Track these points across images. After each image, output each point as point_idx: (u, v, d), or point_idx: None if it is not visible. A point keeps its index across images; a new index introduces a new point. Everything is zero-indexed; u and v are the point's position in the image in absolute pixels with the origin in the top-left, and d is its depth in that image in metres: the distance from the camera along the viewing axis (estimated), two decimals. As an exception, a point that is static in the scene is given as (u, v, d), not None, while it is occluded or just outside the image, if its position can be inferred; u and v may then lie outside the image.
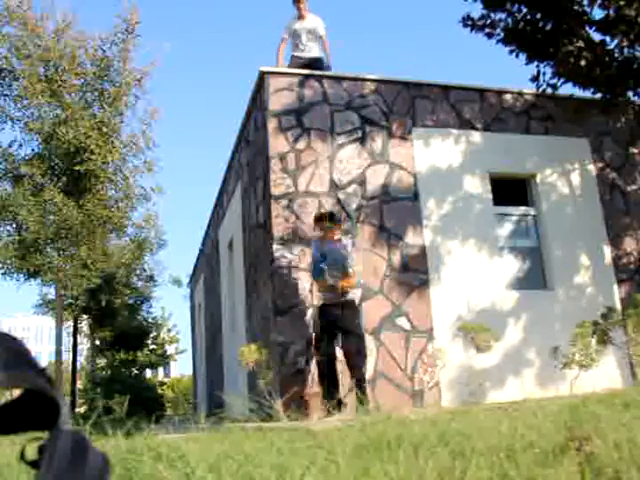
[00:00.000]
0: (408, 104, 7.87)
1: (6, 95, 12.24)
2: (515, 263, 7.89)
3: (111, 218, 12.87)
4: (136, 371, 22.91)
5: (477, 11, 7.82)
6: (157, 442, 2.86)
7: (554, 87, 7.62)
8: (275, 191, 7.06)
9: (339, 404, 5.63)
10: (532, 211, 8.12)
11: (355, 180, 7.36)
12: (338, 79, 7.77)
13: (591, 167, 8.39)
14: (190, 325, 19.39)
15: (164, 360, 28.76)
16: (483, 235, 7.61)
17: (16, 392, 0.56)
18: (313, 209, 7.10)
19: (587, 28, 7.24)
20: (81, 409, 17.84)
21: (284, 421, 5.26)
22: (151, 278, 22.11)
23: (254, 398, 6.12)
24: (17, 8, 11.87)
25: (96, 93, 12.39)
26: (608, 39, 7.17)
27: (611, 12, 6.89)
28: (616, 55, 7.20)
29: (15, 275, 13.21)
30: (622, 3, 6.63)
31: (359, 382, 5.75)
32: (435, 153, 7.77)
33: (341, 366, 5.97)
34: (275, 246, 6.89)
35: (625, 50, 7.14)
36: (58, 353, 13.67)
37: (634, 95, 7.56)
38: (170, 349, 30.35)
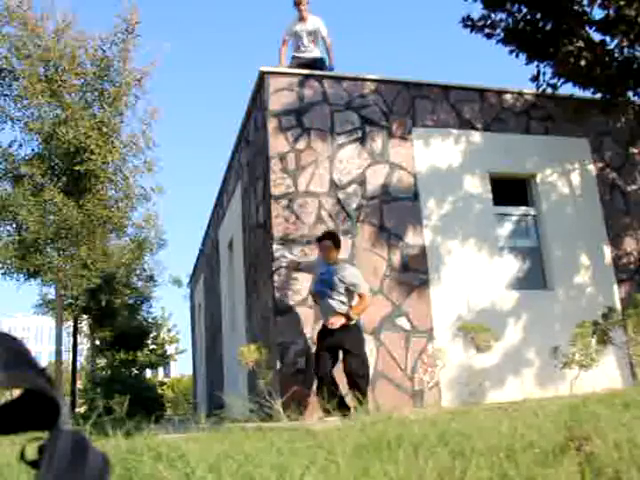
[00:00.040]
0: (408, 104, 7.87)
1: (6, 95, 12.25)
2: (515, 263, 7.89)
3: (111, 218, 12.88)
4: (136, 371, 22.90)
5: (477, 11, 7.83)
6: (157, 442, 2.86)
7: (554, 87, 7.62)
8: (275, 191, 7.07)
9: (340, 407, 5.53)
10: (532, 211, 8.12)
11: (355, 180, 7.36)
12: (338, 79, 7.77)
13: (591, 167, 8.39)
14: (190, 325, 19.39)
15: (164, 360, 28.75)
16: (483, 235, 7.61)
17: (16, 392, 0.56)
18: (313, 209, 7.10)
19: (587, 28, 7.24)
20: (81, 409, 17.84)
21: (284, 421, 5.26)
22: (151, 278, 22.12)
23: (254, 398, 6.13)
24: (17, 8, 11.86)
25: (96, 93, 12.39)
26: (608, 39, 7.17)
27: (611, 12, 6.88)
28: (616, 55, 7.19)
29: (15, 275, 13.21)
30: (622, 3, 6.63)
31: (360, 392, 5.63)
32: (435, 153, 7.77)
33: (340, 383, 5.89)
34: (275, 246, 6.89)
35: (625, 50, 7.14)
36: (58, 353, 13.67)
37: (634, 95, 7.56)
38: (170, 349, 30.36)
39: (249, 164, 8.54)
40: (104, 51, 12.38)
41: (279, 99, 7.41)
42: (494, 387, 6.91)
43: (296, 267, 6.81)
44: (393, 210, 7.36)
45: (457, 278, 7.31)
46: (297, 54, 8.60)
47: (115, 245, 17.62)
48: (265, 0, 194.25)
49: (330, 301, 5.93)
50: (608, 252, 8.04)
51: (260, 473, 2.10)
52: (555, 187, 8.15)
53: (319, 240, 6.26)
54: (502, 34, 7.55)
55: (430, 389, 6.75)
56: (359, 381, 5.74)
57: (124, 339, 22.24)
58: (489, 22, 7.53)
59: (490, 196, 7.81)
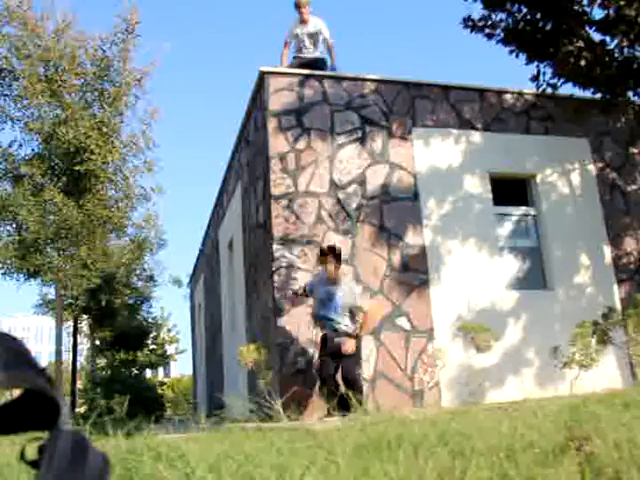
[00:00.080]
0: (408, 104, 7.87)
1: (6, 95, 12.23)
2: (515, 263, 7.89)
3: (111, 218, 12.87)
4: (136, 371, 22.91)
5: (477, 11, 7.81)
6: (157, 442, 2.86)
7: (554, 87, 7.62)
8: (275, 191, 7.07)
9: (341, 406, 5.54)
10: (532, 211, 8.12)
11: (355, 180, 7.36)
12: (338, 79, 7.77)
13: (591, 167, 8.39)
14: (190, 325, 19.39)
15: (164, 360, 28.74)
16: (483, 235, 7.61)
17: (16, 392, 0.56)
18: (313, 209, 7.10)
19: (587, 28, 7.24)
20: (81, 409, 17.83)
21: (284, 421, 5.26)
22: (151, 278, 22.12)
23: (254, 398, 6.12)
24: (17, 8, 11.85)
25: (96, 93, 12.38)
26: (608, 39, 7.17)
27: (611, 12, 6.88)
28: (616, 55, 7.19)
29: (15, 275, 13.20)
30: (622, 3, 6.63)
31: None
32: (435, 153, 7.77)
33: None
34: (275, 246, 6.89)
35: (625, 50, 7.14)
36: (58, 353, 13.66)
37: (634, 95, 7.56)
38: (170, 349, 30.35)
39: (249, 164, 8.54)
40: (104, 51, 12.37)
41: (279, 99, 7.41)
42: (494, 387, 6.91)
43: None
44: (393, 210, 7.36)
45: (457, 278, 7.31)
46: (299, 55, 8.63)
47: (115, 245, 17.61)
48: (265, 0, 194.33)
49: (336, 325, 5.99)
50: (608, 252, 8.05)
51: (260, 473, 2.10)
52: (555, 187, 8.15)
53: (320, 254, 6.23)
54: (502, 34, 7.55)
55: (430, 389, 6.75)
56: (354, 378, 5.83)
57: (124, 339, 22.24)
58: (489, 22, 7.54)
59: (490, 196, 7.81)
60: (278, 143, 7.25)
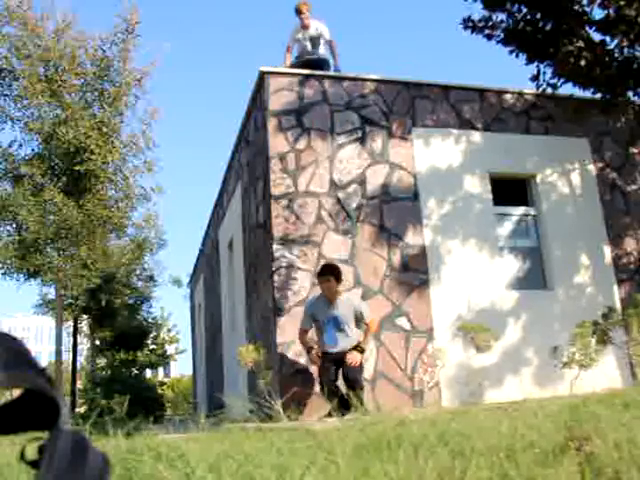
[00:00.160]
0: (408, 104, 7.87)
1: (6, 95, 12.23)
2: (515, 263, 7.89)
3: (111, 218, 12.87)
4: (136, 371, 22.87)
5: (477, 11, 7.83)
6: (157, 442, 2.86)
7: (554, 87, 7.62)
8: (275, 191, 7.06)
9: (341, 406, 5.52)
10: (532, 211, 8.12)
11: (355, 180, 7.36)
12: (338, 79, 7.77)
13: (591, 167, 8.39)
14: (190, 325, 19.39)
15: (164, 360, 28.71)
16: (483, 235, 7.61)
17: (16, 392, 0.56)
18: (313, 209, 7.10)
19: (587, 28, 7.23)
20: (81, 409, 17.82)
21: (284, 421, 5.26)
22: (151, 278, 22.12)
23: (254, 398, 6.12)
24: (17, 8, 11.85)
25: (96, 93, 12.38)
26: (608, 39, 7.17)
27: (611, 12, 6.88)
28: (616, 55, 7.19)
29: (15, 275, 13.20)
30: (622, 3, 6.63)
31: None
32: (435, 153, 7.77)
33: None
34: (275, 246, 6.89)
35: (625, 50, 7.14)
36: (58, 353, 13.66)
37: (634, 95, 7.56)
38: (170, 349, 30.32)
39: (249, 164, 8.54)
40: (104, 51, 12.37)
41: (279, 99, 7.41)
42: (494, 387, 6.91)
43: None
44: (393, 210, 7.36)
45: (457, 278, 7.31)
46: (301, 57, 8.68)
47: (115, 245, 17.61)
48: (265, 0, 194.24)
49: (343, 343, 5.95)
50: (608, 252, 8.04)
51: (260, 473, 2.10)
52: (555, 187, 8.15)
53: (320, 274, 6.14)
54: (502, 35, 7.55)
55: (430, 389, 6.75)
56: (355, 378, 5.81)
57: (124, 339, 22.23)
58: (489, 23, 7.53)
59: (490, 196, 7.81)
60: (278, 143, 7.25)
